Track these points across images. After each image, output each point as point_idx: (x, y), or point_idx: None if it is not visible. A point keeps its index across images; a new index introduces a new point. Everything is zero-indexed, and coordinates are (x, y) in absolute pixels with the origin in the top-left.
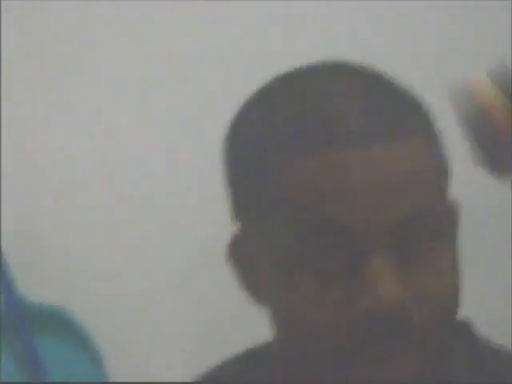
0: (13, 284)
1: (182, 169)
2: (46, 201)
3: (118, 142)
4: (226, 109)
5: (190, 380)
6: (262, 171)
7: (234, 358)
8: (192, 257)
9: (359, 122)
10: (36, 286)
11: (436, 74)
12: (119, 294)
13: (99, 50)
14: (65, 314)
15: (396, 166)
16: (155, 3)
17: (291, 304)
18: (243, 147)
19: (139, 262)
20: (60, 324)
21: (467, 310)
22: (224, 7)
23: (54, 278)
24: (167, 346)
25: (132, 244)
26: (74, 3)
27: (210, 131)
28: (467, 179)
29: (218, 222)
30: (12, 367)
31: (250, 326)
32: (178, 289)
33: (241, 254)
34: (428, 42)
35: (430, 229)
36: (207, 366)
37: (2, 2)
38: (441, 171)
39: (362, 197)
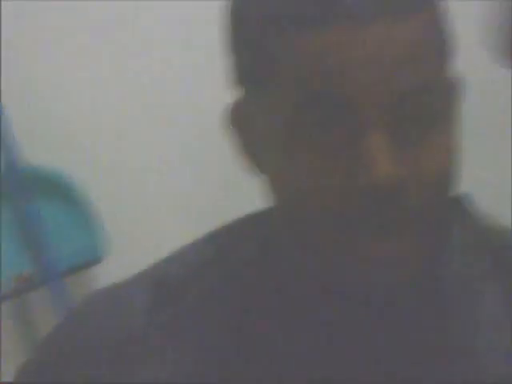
0: (13, 145)
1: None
2: (49, 68)
3: None
4: None
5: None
6: (264, 41)
7: (230, 225)
8: (192, 129)
9: None
10: (37, 150)
11: None
12: (120, 162)
13: None
14: (64, 177)
15: (396, 41)
16: None
17: (290, 174)
18: (248, 13)
19: (142, 134)
20: (58, 187)
21: (467, 186)
22: None
23: (56, 143)
24: (168, 217)
25: (133, 116)
26: None
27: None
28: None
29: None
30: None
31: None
32: (180, 161)
33: (241, 119)
34: None
35: (429, 104)
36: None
37: None
38: (443, 47)
39: (362, 69)
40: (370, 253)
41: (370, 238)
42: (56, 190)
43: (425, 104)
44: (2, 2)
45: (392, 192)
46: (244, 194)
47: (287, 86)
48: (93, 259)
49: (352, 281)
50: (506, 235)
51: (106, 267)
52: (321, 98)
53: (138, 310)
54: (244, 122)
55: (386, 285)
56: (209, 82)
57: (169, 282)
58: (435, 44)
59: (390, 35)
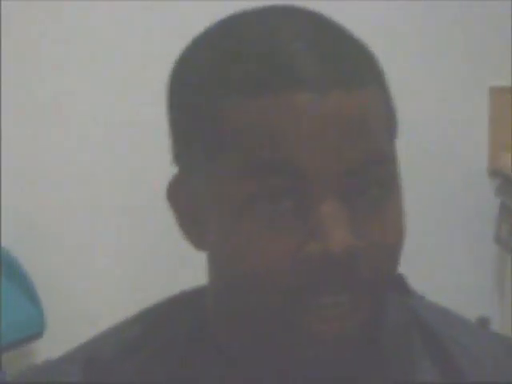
0: None
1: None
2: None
3: None
4: None
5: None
6: (210, 112)
7: (162, 302)
8: (132, 197)
9: (316, 67)
10: None
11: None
12: (56, 233)
13: None
14: (3, 251)
15: (349, 113)
16: None
17: (237, 246)
18: (190, 87)
19: (79, 204)
20: None
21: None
22: None
23: None
24: (103, 287)
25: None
26: None
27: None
28: None
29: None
30: None
31: (190, 270)
32: (116, 230)
33: (182, 195)
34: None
35: (379, 176)
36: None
37: None
38: (390, 121)
39: (315, 141)
40: (317, 330)
41: (316, 312)
42: None
43: (375, 175)
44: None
45: (345, 260)
46: (193, 268)
47: (236, 154)
48: (33, 333)
49: (295, 357)
50: (443, 315)
51: (41, 342)
52: (271, 168)
53: None
54: (183, 198)
55: (329, 361)
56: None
57: (99, 359)
58: (384, 117)
59: (343, 106)
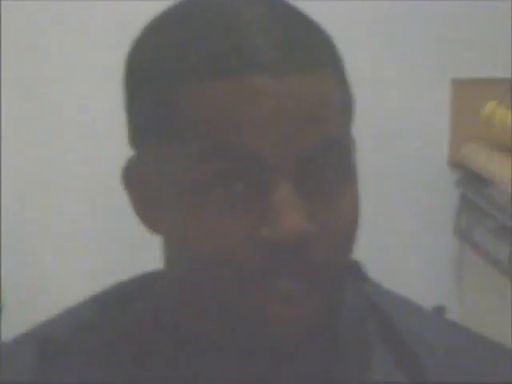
0: None
1: None
2: None
3: None
4: None
5: None
6: (165, 95)
7: (119, 284)
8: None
9: (272, 51)
10: None
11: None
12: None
13: None
14: None
15: (305, 98)
16: None
17: (191, 230)
18: (145, 71)
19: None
20: None
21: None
22: None
23: None
24: (64, 283)
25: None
26: None
27: None
28: None
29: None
30: None
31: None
32: (76, 224)
33: (137, 178)
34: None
35: (335, 162)
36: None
37: None
38: (347, 106)
39: (271, 125)
40: (273, 312)
41: (269, 298)
42: None
43: (331, 160)
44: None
45: (298, 245)
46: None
47: (191, 137)
48: None
49: (250, 338)
50: (399, 303)
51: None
52: (226, 152)
53: (23, 370)
54: (138, 181)
55: (285, 343)
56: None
57: (53, 341)
58: (340, 103)
59: (299, 90)
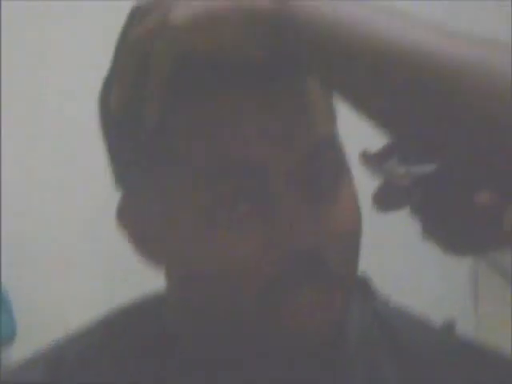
0: None
1: None
2: None
3: None
4: None
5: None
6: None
7: (125, 306)
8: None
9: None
10: None
11: None
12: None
13: None
14: None
15: (294, 102)
16: None
17: (201, 252)
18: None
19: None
20: None
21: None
22: None
23: None
24: (78, 296)
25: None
26: None
27: None
28: None
29: None
30: None
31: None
32: (88, 239)
33: (132, 217)
34: None
35: (331, 162)
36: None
37: None
38: (332, 110)
39: (261, 135)
40: (286, 325)
41: (291, 305)
42: None
43: (326, 161)
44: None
45: (312, 250)
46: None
47: (182, 165)
48: (4, 340)
49: (263, 350)
50: (408, 319)
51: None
52: (221, 172)
53: None
54: (132, 219)
55: (299, 353)
56: None
57: (63, 363)
58: (327, 105)
59: (287, 96)
